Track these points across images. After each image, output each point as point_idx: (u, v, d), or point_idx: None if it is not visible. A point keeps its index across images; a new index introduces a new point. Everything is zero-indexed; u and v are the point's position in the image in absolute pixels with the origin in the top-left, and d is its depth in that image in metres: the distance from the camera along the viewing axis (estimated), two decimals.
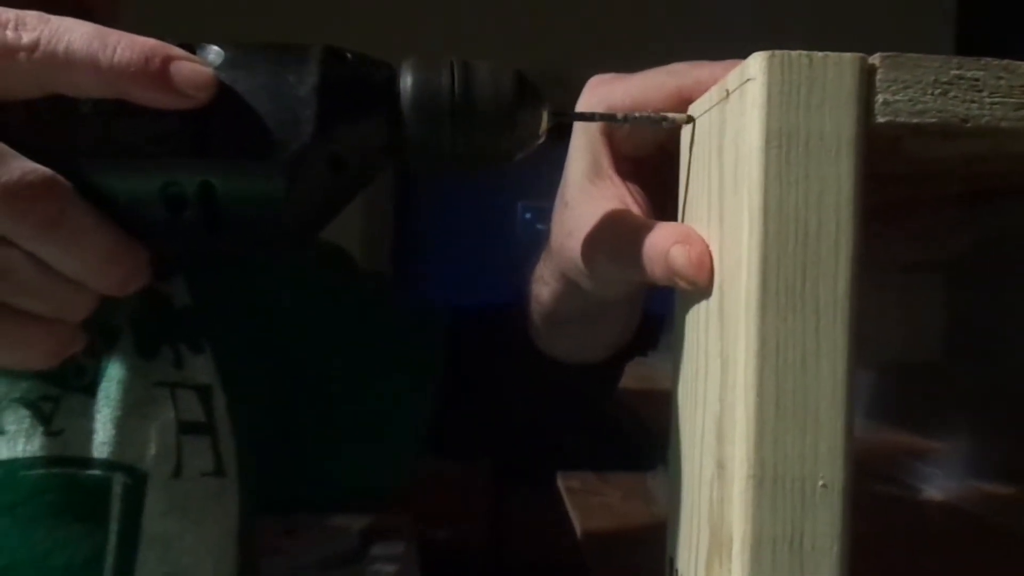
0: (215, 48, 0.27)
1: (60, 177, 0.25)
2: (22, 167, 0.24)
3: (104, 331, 0.43)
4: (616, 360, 0.49)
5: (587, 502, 0.68)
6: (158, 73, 0.25)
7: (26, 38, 0.24)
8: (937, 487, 0.44)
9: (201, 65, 0.26)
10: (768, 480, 0.24)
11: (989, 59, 0.24)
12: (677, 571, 0.31)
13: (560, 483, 0.72)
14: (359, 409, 0.53)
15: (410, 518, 1.78)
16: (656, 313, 0.47)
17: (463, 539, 2.02)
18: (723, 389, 0.26)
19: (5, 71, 0.24)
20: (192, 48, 0.27)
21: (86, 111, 0.26)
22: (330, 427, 0.53)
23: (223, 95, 0.26)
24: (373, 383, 0.53)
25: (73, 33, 0.25)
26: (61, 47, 0.24)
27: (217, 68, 0.26)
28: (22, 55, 0.24)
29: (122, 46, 0.25)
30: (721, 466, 0.26)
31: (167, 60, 0.25)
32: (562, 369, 0.48)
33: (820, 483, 0.24)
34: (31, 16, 0.25)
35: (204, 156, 0.26)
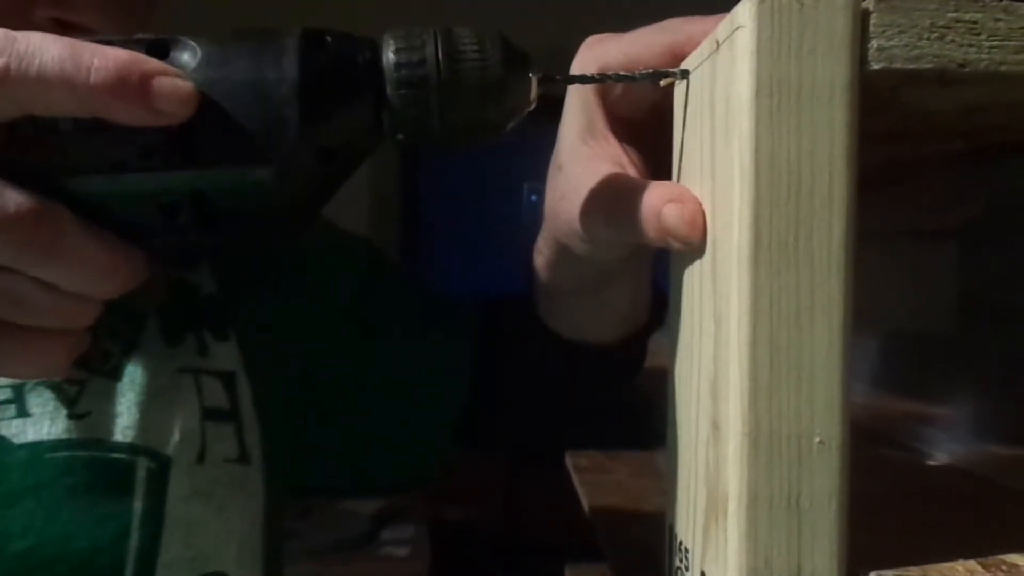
0: (191, 44, 0.26)
1: (53, 203, 0.25)
2: (16, 199, 0.24)
3: (130, 317, 0.43)
4: (633, 340, 0.48)
5: (596, 480, 0.67)
6: (137, 92, 0.24)
7: None
8: (945, 451, 0.44)
9: (180, 79, 0.25)
10: (763, 438, 0.23)
11: (987, 0, 0.24)
12: (676, 537, 0.30)
13: (568, 462, 0.72)
14: (391, 399, 0.53)
15: (421, 500, 1.78)
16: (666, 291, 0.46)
17: (475, 519, 2.02)
18: (717, 348, 0.25)
19: None
20: (167, 45, 0.26)
21: (66, 129, 0.25)
22: (362, 418, 0.53)
23: (204, 103, 0.25)
24: (405, 373, 0.52)
25: (44, 53, 0.24)
26: (33, 69, 0.23)
27: (194, 70, 0.25)
28: None
29: (96, 65, 0.24)
30: (716, 426, 0.25)
31: (145, 77, 0.24)
32: (579, 352, 0.47)
33: (817, 440, 0.23)
34: None
35: (191, 167, 0.26)
